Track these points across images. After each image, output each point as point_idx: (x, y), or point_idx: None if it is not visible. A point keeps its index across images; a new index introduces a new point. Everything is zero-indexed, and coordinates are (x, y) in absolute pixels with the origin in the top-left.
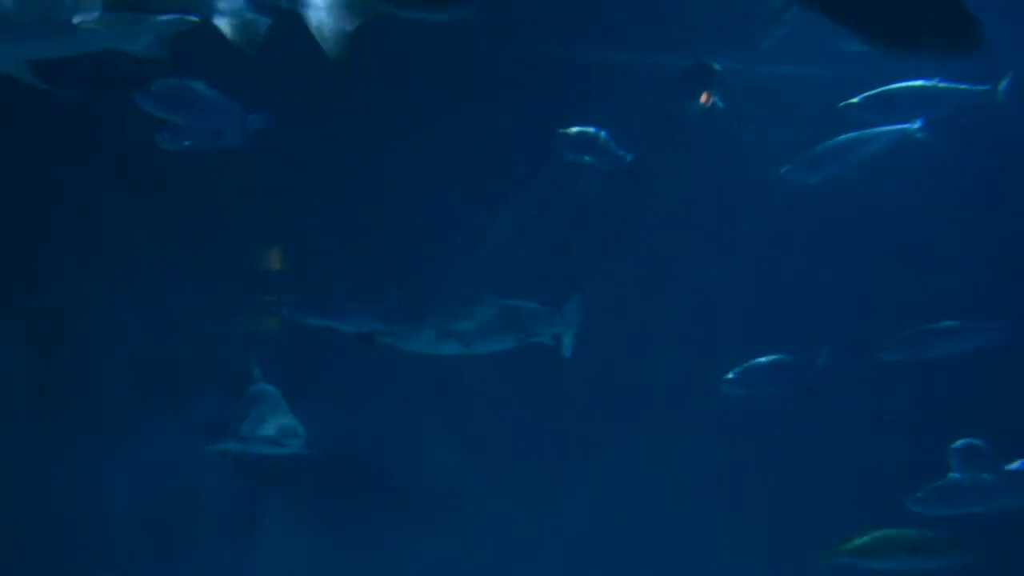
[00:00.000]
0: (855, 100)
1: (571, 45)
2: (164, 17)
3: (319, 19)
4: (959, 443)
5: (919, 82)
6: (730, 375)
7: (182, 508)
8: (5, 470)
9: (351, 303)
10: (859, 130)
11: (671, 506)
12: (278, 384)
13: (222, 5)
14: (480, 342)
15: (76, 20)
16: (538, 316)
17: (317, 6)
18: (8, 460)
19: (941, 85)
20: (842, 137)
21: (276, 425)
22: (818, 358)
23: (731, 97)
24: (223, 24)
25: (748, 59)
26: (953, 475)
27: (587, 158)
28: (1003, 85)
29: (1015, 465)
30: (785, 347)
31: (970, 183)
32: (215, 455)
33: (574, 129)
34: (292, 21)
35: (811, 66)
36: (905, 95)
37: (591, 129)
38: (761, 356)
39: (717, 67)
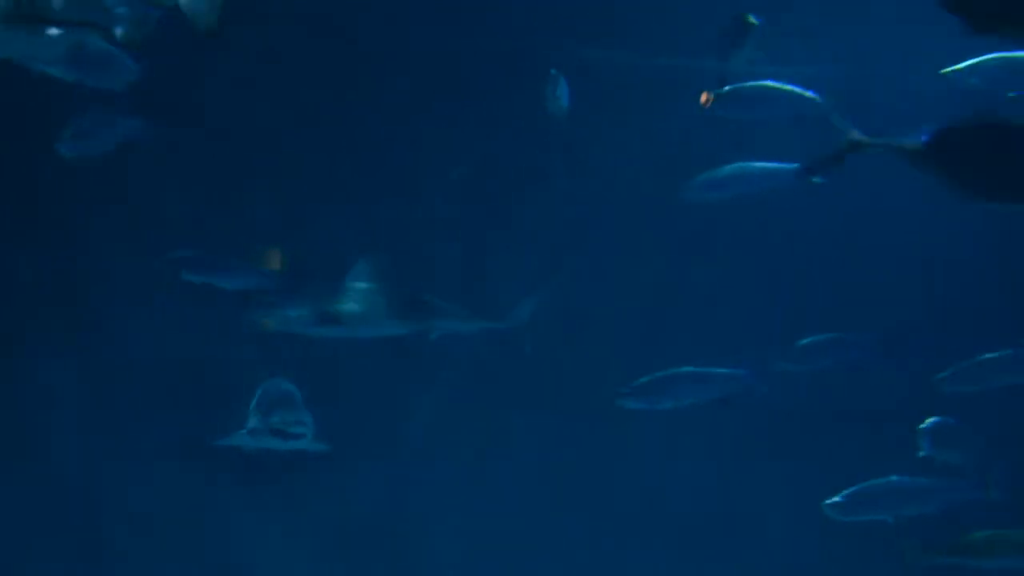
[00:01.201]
0: (721, 94)
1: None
2: (72, 30)
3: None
4: (929, 422)
5: (768, 82)
6: (626, 389)
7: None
8: None
9: (235, 260)
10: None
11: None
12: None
13: (115, 9)
14: (364, 326)
15: None
16: (438, 310)
17: None
18: None
19: (783, 87)
20: (745, 164)
21: (282, 418)
22: (732, 368)
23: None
24: (116, 28)
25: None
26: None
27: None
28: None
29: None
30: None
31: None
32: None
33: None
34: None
35: (802, 66)
36: (751, 94)
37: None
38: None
39: (755, 20)
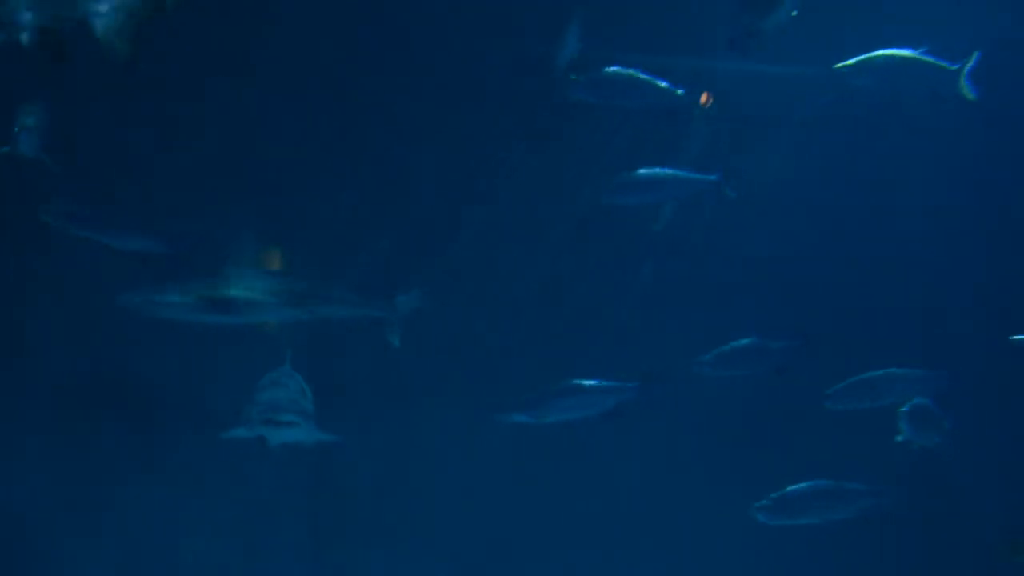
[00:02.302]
0: (579, 79)
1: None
2: None
3: (104, 24)
4: (908, 406)
5: (640, 74)
6: (517, 402)
7: None
8: None
9: (129, 219)
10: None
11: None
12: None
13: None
14: (250, 312)
15: None
16: (324, 295)
17: (101, 12)
18: None
19: (655, 82)
20: (662, 170)
21: (272, 408)
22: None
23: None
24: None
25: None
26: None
27: None
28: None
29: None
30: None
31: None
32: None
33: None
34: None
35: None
36: (623, 80)
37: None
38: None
39: None
